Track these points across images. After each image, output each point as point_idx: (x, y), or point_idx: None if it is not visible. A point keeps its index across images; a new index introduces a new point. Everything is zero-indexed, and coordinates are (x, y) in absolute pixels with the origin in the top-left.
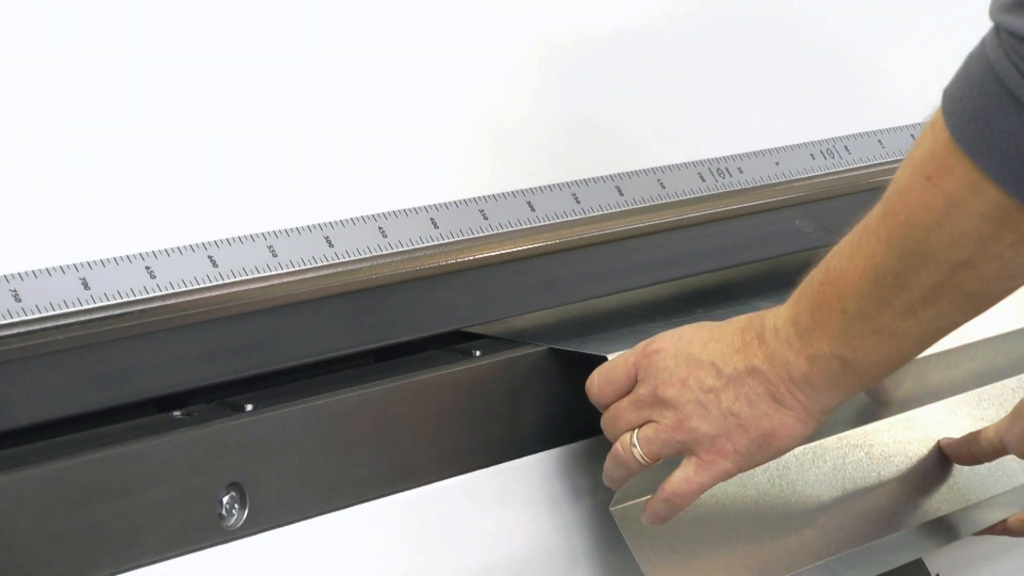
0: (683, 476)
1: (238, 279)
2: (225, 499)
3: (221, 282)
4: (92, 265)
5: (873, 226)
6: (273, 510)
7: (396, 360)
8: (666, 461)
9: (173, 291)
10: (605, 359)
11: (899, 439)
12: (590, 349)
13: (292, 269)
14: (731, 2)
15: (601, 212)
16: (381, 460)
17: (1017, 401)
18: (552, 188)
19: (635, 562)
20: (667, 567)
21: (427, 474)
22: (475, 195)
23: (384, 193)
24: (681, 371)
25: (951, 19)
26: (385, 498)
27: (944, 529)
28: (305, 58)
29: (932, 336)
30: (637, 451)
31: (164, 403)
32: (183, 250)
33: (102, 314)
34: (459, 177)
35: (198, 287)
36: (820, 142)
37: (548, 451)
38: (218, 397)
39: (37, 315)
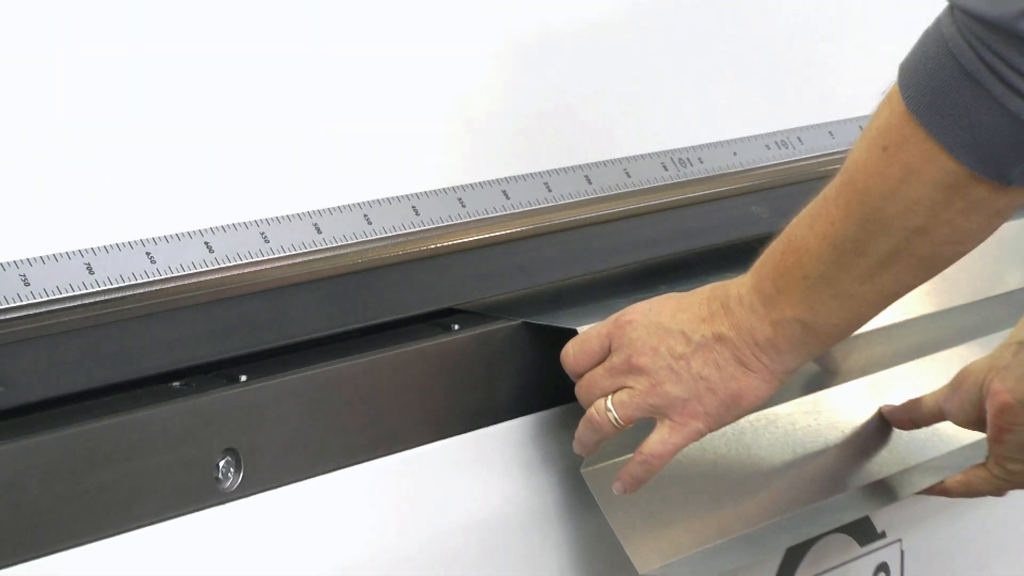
0: (659, 438)
1: (233, 263)
2: (221, 463)
3: (217, 266)
4: (96, 251)
5: (832, 196)
6: (266, 473)
7: (380, 334)
8: (636, 426)
9: (172, 275)
10: (575, 332)
11: (845, 406)
12: (561, 323)
13: (283, 254)
14: (690, 3)
15: (571, 200)
16: (366, 427)
17: (953, 373)
18: (525, 177)
19: (605, 520)
20: (634, 524)
21: (409, 439)
22: (453, 184)
23: (369, 183)
24: (653, 340)
25: (899, 20)
26: (370, 462)
27: (886, 490)
28: (305, 59)
29: (888, 299)
30: (612, 415)
31: (164, 380)
32: (181, 236)
33: (105, 297)
34: (438, 168)
35: (195, 271)
36: (775, 133)
37: (521, 418)
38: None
39: (44, 298)
